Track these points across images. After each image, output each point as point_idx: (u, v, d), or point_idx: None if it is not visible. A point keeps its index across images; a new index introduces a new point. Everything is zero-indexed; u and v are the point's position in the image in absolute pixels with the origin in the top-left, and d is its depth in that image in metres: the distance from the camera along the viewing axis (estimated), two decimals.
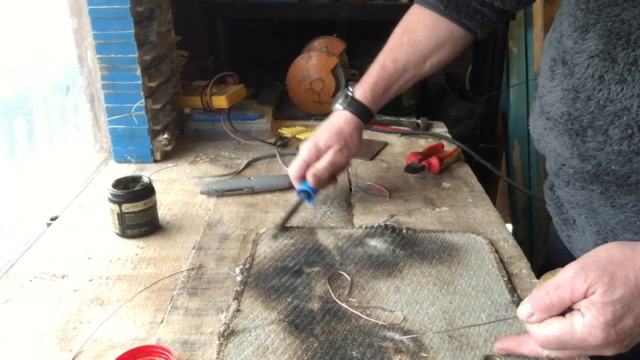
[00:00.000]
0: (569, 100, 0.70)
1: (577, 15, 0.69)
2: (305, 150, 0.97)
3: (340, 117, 0.98)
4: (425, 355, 0.65)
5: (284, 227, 0.93)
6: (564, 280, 0.55)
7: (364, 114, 0.98)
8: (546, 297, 0.56)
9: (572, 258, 0.72)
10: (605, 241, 0.74)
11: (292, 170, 0.97)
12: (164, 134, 1.25)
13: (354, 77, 1.64)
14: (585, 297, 0.54)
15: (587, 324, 0.53)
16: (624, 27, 0.64)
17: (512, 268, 0.84)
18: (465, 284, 0.79)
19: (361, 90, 0.98)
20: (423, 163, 1.14)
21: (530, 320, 0.57)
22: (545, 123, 0.76)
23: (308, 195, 0.96)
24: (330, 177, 0.99)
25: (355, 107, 0.97)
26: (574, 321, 0.54)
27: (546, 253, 1.06)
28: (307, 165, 0.96)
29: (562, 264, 0.58)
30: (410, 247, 0.89)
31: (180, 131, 1.37)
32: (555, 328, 0.55)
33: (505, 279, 0.80)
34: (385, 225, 0.93)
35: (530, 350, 0.60)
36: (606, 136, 0.67)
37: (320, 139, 0.96)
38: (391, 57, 0.97)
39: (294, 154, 1.27)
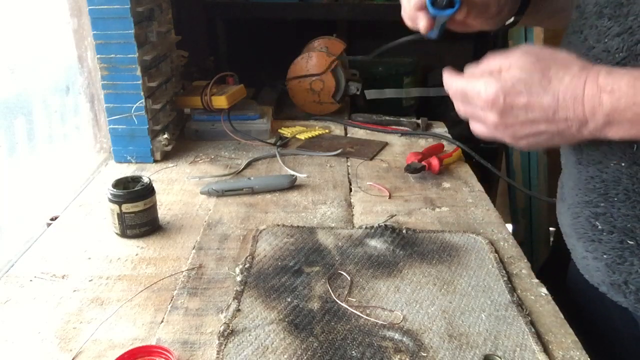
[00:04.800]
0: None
1: None
2: None
3: None
4: (425, 354, 0.66)
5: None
6: (496, 56, 0.62)
7: None
8: (475, 68, 0.64)
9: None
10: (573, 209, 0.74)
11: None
12: (164, 134, 1.25)
13: (354, 77, 1.64)
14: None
15: (487, 81, 0.60)
16: None
17: (512, 268, 0.84)
18: (465, 283, 0.79)
19: None
20: (423, 163, 1.14)
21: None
22: None
23: (449, 3, 0.73)
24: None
25: None
26: (481, 78, 0.61)
27: (549, 252, 1.06)
28: None
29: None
30: (410, 247, 0.89)
31: (180, 131, 1.38)
32: (464, 81, 0.63)
33: (505, 278, 0.80)
34: (385, 225, 0.93)
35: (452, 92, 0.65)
36: None
37: None
38: None
39: (294, 154, 1.28)
